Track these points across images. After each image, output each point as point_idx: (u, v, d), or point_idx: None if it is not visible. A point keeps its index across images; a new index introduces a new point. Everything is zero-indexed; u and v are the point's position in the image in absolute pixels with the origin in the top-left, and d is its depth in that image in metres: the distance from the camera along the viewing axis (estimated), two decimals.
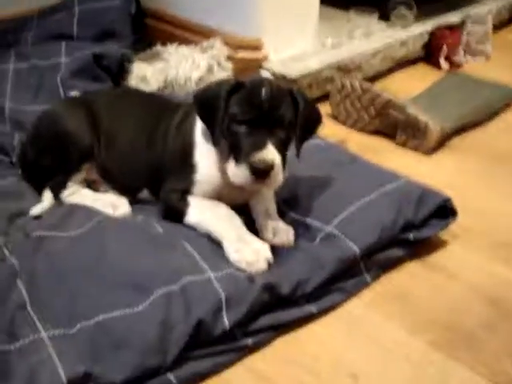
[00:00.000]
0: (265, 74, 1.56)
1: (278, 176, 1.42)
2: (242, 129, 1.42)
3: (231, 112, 1.44)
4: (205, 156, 1.57)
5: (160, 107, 1.77)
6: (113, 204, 1.69)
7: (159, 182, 1.66)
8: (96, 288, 1.35)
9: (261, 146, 1.39)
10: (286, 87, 1.51)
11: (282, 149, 1.45)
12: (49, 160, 1.72)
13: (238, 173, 1.42)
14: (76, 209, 1.65)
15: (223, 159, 1.51)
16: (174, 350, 1.24)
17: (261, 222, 1.59)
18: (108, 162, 1.74)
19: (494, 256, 1.67)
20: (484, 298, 1.52)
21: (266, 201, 1.64)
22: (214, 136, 1.49)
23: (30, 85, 2.23)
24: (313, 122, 1.57)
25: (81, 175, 1.74)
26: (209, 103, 1.49)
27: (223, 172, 1.52)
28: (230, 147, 1.46)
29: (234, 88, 1.46)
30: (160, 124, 1.70)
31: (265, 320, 1.38)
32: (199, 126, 1.59)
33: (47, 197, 1.73)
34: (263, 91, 1.42)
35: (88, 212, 1.63)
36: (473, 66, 2.97)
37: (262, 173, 1.39)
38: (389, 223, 1.57)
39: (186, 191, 1.58)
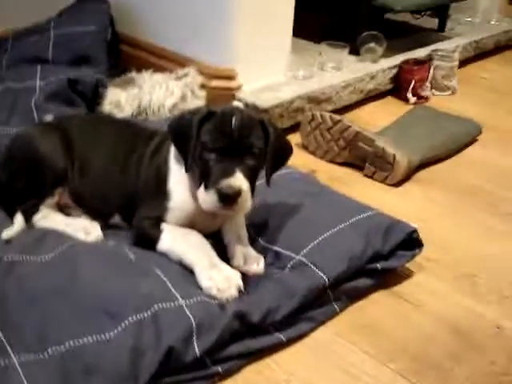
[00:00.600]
0: (237, 103, 1.60)
1: (246, 202, 1.47)
2: (212, 156, 1.46)
3: (202, 140, 1.48)
4: (178, 183, 1.59)
5: (135, 134, 1.79)
6: (85, 229, 1.69)
7: (131, 208, 1.67)
8: (67, 313, 1.34)
9: (229, 173, 1.43)
10: (256, 117, 1.55)
11: (251, 176, 1.48)
12: (21, 183, 1.72)
13: (206, 198, 1.46)
14: (48, 233, 1.65)
15: (195, 186, 1.54)
16: (144, 376, 1.24)
17: (232, 249, 1.62)
18: (81, 187, 1.74)
19: (459, 287, 1.71)
20: (450, 329, 1.55)
21: (237, 228, 1.66)
22: (186, 163, 1.52)
23: (3, 107, 2.23)
24: (283, 152, 1.61)
25: (53, 199, 1.73)
26: (182, 131, 1.52)
27: (196, 199, 1.54)
28: (201, 174, 1.49)
29: (205, 116, 1.49)
30: (134, 151, 1.72)
31: (235, 348, 1.39)
32: (173, 153, 1.62)
33: (18, 220, 1.72)
34: (233, 120, 1.46)
35: (60, 236, 1.63)
36: (439, 100, 3.07)
37: (229, 199, 1.43)
38: (357, 253, 1.60)
39: (159, 218, 1.60)
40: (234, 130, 1.45)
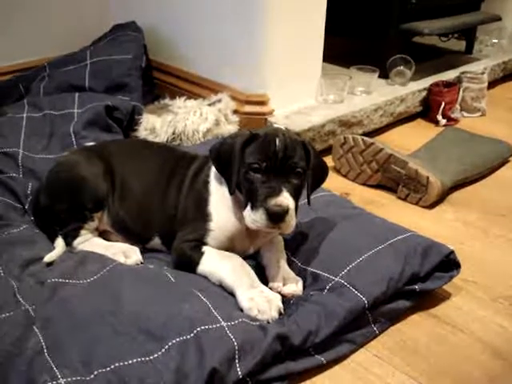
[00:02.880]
0: (278, 125, 1.64)
1: (292, 221, 1.50)
2: (258, 176, 1.50)
3: (247, 161, 1.51)
4: (219, 205, 1.63)
5: (175, 159, 1.83)
6: (124, 252, 1.72)
7: (171, 232, 1.70)
8: (111, 335, 1.37)
9: (276, 193, 1.47)
10: (298, 138, 1.58)
11: (296, 195, 1.52)
12: (63, 207, 1.76)
13: (254, 218, 1.49)
14: (88, 256, 1.68)
15: (239, 207, 1.58)
16: None
17: (271, 271, 1.64)
18: (121, 211, 1.78)
19: (498, 309, 1.71)
20: (489, 351, 1.54)
21: (276, 250, 1.69)
22: (230, 185, 1.56)
23: (42, 134, 2.28)
24: (322, 172, 1.66)
25: (94, 223, 1.77)
26: (225, 155, 1.57)
27: (236, 220, 1.59)
28: (247, 194, 1.53)
29: (248, 139, 1.54)
30: (175, 175, 1.76)
31: (276, 370, 1.40)
32: (213, 176, 1.66)
33: (59, 244, 1.76)
34: (277, 141, 1.50)
35: (100, 260, 1.66)
36: (469, 122, 3.07)
37: (277, 217, 1.46)
38: (396, 275, 1.61)
39: (199, 241, 1.63)
40: (278, 151, 1.49)
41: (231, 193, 1.57)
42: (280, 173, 1.49)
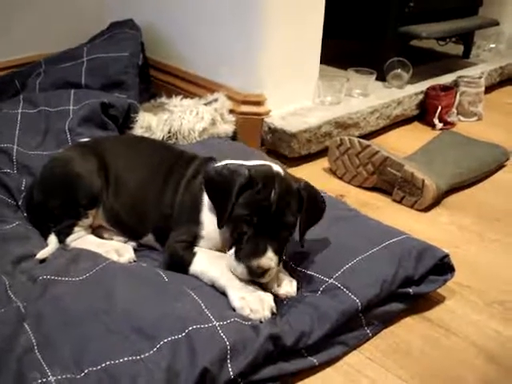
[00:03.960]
0: (277, 168, 1.59)
1: (273, 273, 1.52)
2: (246, 229, 1.49)
3: (240, 212, 1.49)
4: (211, 215, 1.62)
5: (174, 157, 1.82)
6: (117, 250, 1.72)
7: (165, 229, 1.70)
8: (103, 333, 1.36)
9: (260, 253, 1.47)
10: (294, 186, 1.55)
11: (282, 247, 1.53)
12: (57, 204, 1.75)
13: (236, 268, 1.50)
14: (81, 254, 1.67)
15: (225, 239, 1.58)
16: None
17: None
18: (116, 206, 1.77)
19: (491, 313, 1.70)
20: (483, 355, 1.54)
21: None
22: (220, 220, 1.54)
23: (37, 131, 2.26)
24: (315, 214, 1.63)
25: (88, 221, 1.76)
26: (219, 189, 1.54)
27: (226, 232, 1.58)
28: (233, 239, 1.53)
29: (246, 184, 1.50)
30: (173, 174, 1.75)
31: (268, 370, 1.39)
32: None
33: (52, 241, 1.76)
34: (272, 194, 1.48)
35: (93, 257, 1.65)
36: (465, 126, 3.06)
37: (258, 275, 1.48)
38: (390, 277, 1.60)
39: (191, 242, 1.63)
40: (272, 204, 1.47)
41: (219, 227, 1.55)
42: (269, 229, 1.48)
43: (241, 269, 1.49)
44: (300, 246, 1.61)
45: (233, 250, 1.52)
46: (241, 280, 1.52)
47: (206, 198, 1.64)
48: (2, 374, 1.25)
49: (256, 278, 1.50)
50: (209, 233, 1.62)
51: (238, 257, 1.49)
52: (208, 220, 1.62)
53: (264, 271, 1.47)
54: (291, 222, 1.52)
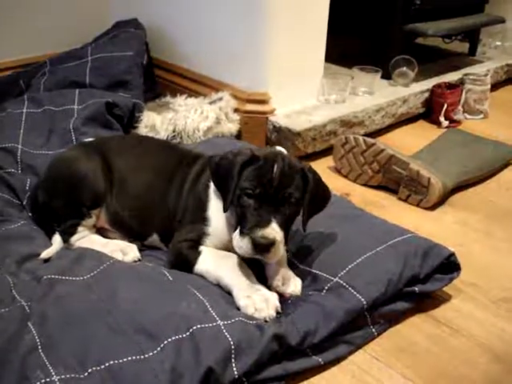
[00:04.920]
0: (280, 148, 1.61)
1: (278, 251, 1.48)
2: (251, 203, 1.48)
3: (242, 185, 1.49)
4: (217, 211, 1.61)
5: (178, 156, 1.82)
6: (122, 250, 1.71)
7: (170, 229, 1.70)
8: (107, 333, 1.36)
9: (265, 224, 1.45)
10: (298, 165, 1.54)
11: (286, 224, 1.51)
12: (61, 203, 1.75)
13: (241, 244, 1.47)
14: (86, 253, 1.67)
15: (232, 225, 1.57)
16: None
17: (270, 270, 1.63)
18: (119, 207, 1.77)
19: (497, 311, 1.69)
20: (489, 353, 1.53)
21: None
22: (225, 203, 1.54)
23: (41, 130, 2.26)
24: (321, 199, 1.61)
25: (92, 220, 1.76)
26: (223, 172, 1.54)
27: (233, 228, 1.56)
28: (238, 217, 1.52)
29: (248, 160, 1.51)
30: (177, 174, 1.75)
31: (273, 370, 1.39)
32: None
33: (57, 240, 1.76)
34: (275, 167, 1.47)
35: (98, 257, 1.65)
36: (471, 124, 3.05)
37: (263, 248, 1.45)
38: (395, 276, 1.60)
39: (196, 241, 1.62)
40: (275, 179, 1.47)
41: (225, 210, 1.55)
42: (273, 201, 1.47)
43: (245, 243, 1.46)
44: (302, 233, 1.61)
45: (238, 230, 1.50)
46: (246, 279, 1.52)
47: (211, 195, 1.64)
48: (6, 374, 1.25)
49: (261, 254, 1.46)
50: (215, 230, 1.62)
51: (242, 232, 1.47)
52: (214, 217, 1.62)
53: (268, 244, 1.44)
54: (295, 196, 1.49)
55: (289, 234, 1.55)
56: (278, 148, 1.61)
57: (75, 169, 1.75)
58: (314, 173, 1.58)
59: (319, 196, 1.59)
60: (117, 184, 1.78)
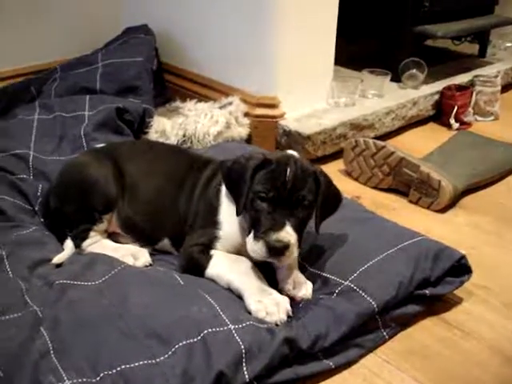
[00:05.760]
0: (292, 152, 1.62)
1: (293, 255, 1.48)
2: (264, 206, 1.48)
3: (255, 189, 1.50)
4: (229, 215, 1.61)
5: (189, 161, 1.83)
6: (133, 254, 1.72)
7: (181, 233, 1.70)
8: (118, 338, 1.36)
9: (279, 227, 1.45)
10: (310, 168, 1.55)
11: (300, 228, 1.51)
12: (73, 209, 1.76)
13: (255, 248, 1.48)
14: (97, 258, 1.68)
15: (244, 228, 1.57)
16: None
17: (281, 274, 1.63)
18: (131, 212, 1.78)
19: (508, 314, 1.68)
20: (500, 356, 1.52)
21: None
22: (238, 207, 1.54)
23: (53, 136, 2.28)
24: (333, 202, 1.62)
25: (103, 225, 1.77)
26: (236, 176, 1.55)
27: (244, 232, 1.57)
28: (251, 221, 1.52)
29: (260, 164, 1.51)
30: (188, 178, 1.76)
31: (284, 373, 1.39)
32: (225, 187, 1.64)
33: (68, 245, 1.77)
34: (288, 170, 1.48)
35: (109, 262, 1.66)
36: (482, 126, 3.04)
37: (277, 252, 1.45)
38: (406, 279, 1.59)
39: (208, 245, 1.62)
40: (288, 182, 1.47)
41: (238, 214, 1.55)
42: (286, 205, 1.47)
43: (259, 247, 1.46)
44: (315, 235, 1.61)
45: (252, 234, 1.50)
46: (257, 283, 1.53)
47: (222, 200, 1.64)
48: (19, 378, 1.26)
49: (275, 257, 1.46)
50: (227, 234, 1.62)
51: (256, 236, 1.47)
52: (226, 221, 1.63)
53: (283, 248, 1.44)
54: (308, 199, 1.50)
55: (302, 237, 1.55)
56: (290, 152, 1.62)
57: (87, 174, 1.76)
58: (326, 176, 1.58)
59: (331, 199, 1.59)
60: (128, 189, 1.79)
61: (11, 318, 1.44)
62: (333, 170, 2.48)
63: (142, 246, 1.79)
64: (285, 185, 1.47)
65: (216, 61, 2.78)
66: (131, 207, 1.78)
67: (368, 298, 1.53)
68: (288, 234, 1.45)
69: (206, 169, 1.76)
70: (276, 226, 1.45)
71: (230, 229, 1.62)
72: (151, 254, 1.76)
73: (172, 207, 1.74)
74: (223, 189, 1.65)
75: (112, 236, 1.83)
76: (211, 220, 1.64)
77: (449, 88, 3.04)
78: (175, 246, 1.75)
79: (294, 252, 1.48)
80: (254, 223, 1.50)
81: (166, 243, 1.77)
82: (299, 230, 1.50)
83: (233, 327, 1.39)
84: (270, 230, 1.45)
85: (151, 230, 1.77)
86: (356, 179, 2.45)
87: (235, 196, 1.56)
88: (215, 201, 1.66)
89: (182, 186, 1.75)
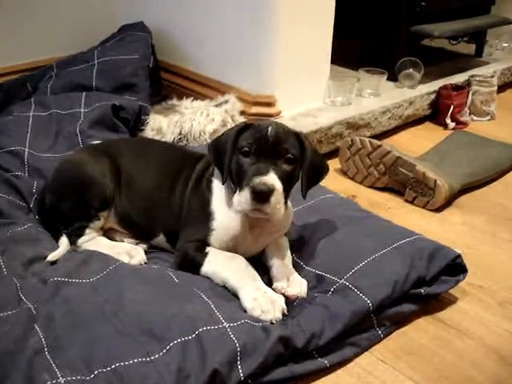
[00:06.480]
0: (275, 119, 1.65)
1: (278, 205, 1.47)
2: (248, 160, 1.50)
3: (239, 146, 1.52)
4: (221, 204, 1.62)
5: (182, 157, 1.83)
6: (128, 252, 1.72)
7: (176, 230, 1.70)
8: (113, 335, 1.36)
9: (263, 172, 1.46)
10: (292, 130, 1.58)
11: (285, 182, 1.50)
12: (69, 206, 1.76)
13: (240, 199, 1.48)
14: (92, 256, 1.67)
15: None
16: None
17: (275, 272, 1.63)
18: (127, 207, 1.78)
19: (504, 313, 1.68)
20: (495, 356, 1.52)
21: (281, 251, 1.68)
22: (223, 174, 1.56)
23: (48, 133, 2.27)
24: (318, 166, 1.62)
25: (99, 223, 1.77)
26: (220, 145, 1.57)
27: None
28: (237, 180, 1.52)
29: (243, 128, 1.55)
30: (181, 174, 1.76)
31: (278, 372, 1.38)
32: (216, 175, 1.65)
33: (63, 243, 1.76)
34: (269, 128, 1.50)
35: (104, 259, 1.65)
36: (478, 126, 3.04)
37: (262, 196, 1.44)
38: (401, 278, 1.59)
39: (203, 241, 1.62)
40: (270, 136, 1.49)
41: (223, 181, 1.56)
42: (270, 156, 1.48)
43: (244, 195, 1.46)
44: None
45: (237, 191, 1.51)
46: (253, 281, 1.52)
47: (214, 190, 1.65)
48: (13, 376, 1.25)
49: (260, 203, 1.44)
50: (220, 222, 1.61)
51: (241, 186, 1.48)
52: (218, 210, 1.63)
53: (268, 192, 1.43)
54: (291, 153, 1.51)
55: (288, 195, 1.56)
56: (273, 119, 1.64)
57: (83, 171, 1.75)
58: (310, 141, 1.61)
59: (317, 163, 1.60)
60: (124, 185, 1.79)
61: (5, 315, 1.43)
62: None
63: (138, 242, 1.79)
64: (267, 139, 1.49)
65: (213, 59, 2.78)
66: (127, 203, 1.78)
67: (363, 297, 1.53)
68: (272, 178, 1.45)
69: (198, 163, 1.76)
70: (259, 172, 1.46)
71: (223, 218, 1.61)
72: (146, 252, 1.76)
73: (167, 203, 1.74)
74: (215, 179, 1.65)
75: (108, 232, 1.83)
76: (204, 212, 1.64)
77: (445, 88, 3.05)
78: (170, 243, 1.75)
79: (280, 202, 1.47)
80: (239, 179, 1.51)
81: (161, 239, 1.77)
82: (284, 183, 1.49)
83: (228, 325, 1.38)
84: (254, 175, 1.45)
85: (147, 226, 1.77)
86: (352, 178, 2.45)
87: (220, 164, 1.57)
88: (207, 192, 1.66)
89: (175, 182, 1.75)
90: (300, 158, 1.54)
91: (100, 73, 2.58)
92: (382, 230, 1.80)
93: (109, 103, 2.34)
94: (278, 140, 1.49)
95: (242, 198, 1.46)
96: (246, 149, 1.50)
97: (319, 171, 1.63)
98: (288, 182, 1.53)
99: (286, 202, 1.53)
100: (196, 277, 1.60)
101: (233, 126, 1.64)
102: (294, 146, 1.53)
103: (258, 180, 1.44)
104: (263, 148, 1.48)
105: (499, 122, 3.14)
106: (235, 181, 1.54)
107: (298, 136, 1.56)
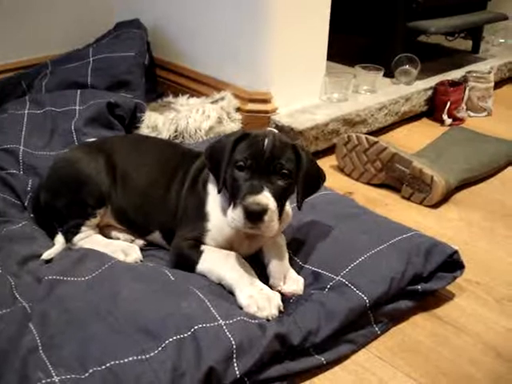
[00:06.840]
0: (272, 129, 1.62)
1: (273, 223, 1.45)
2: (242, 175, 1.48)
3: (234, 158, 1.49)
4: (216, 206, 1.61)
5: (180, 154, 1.82)
6: (124, 250, 1.71)
7: (171, 226, 1.69)
8: (108, 333, 1.35)
9: (256, 191, 1.43)
10: (289, 141, 1.55)
11: (280, 197, 1.48)
12: (64, 203, 1.75)
13: (234, 216, 1.45)
14: (88, 254, 1.66)
15: (227, 207, 1.55)
16: None
17: (272, 269, 1.62)
18: (123, 204, 1.77)
19: (501, 309, 1.68)
20: (492, 352, 1.52)
21: (278, 248, 1.66)
22: (218, 184, 1.54)
23: (43, 131, 2.26)
24: (315, 177, 1.60)
25: (95, 220, 1.76)
26: (217, 153, 1.55)
27: None
28: (231, 193, 1.50)
29: (239, 138, 1.52)
30: (178, 171, 1.75)
31: (274, 369, 1.38)
32: (212, 181, 1.64)
33: (59, 241, 1.75)
34: (266, 141, 1.48)
35: (100, 257, 1.64)
36: (475, 122, 3.04)
37: (255, 216, 1.42)
38: (398, 274, 1.58)
39: (198, 240, 1.61)
40: (266, 150, 1.46)
41: (218, 191, 1.54)
42: (265, 173, 1.46)
43: (237, 213, 1.43)
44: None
45: (232, 205, 1.49)
46: (248, 278, 1.52)
47: (210, 190, 1.63)
48: (7, 374, 1.24)
49: (254, 223, 1.42)
50: (215, 225, 1.60)
51: (235, 203, 1.46)
52: (213, 211, 1.61)
53: (261, 211, 1.41)
54: (287, 168, 1.48)
55: (283, 210, 1.54)
56: (270, 128, 1.62)
57: (79, 168, 1.74)
58: (307, 151, 1.58)
59: (313, 175, 1.58)
60: (120, 182, 1.78)
61: (0, 313, 1.42)
62: (325, 166, 2.47)
63: (134, 238, 1.79)
64: (263, 153, 1.46)
65: (208, 56, 2.77)
66: (123, 200, 1.77)
67: (360, 294, 1.52)
68: (266, 197, 1.43)
69: (195, 162, 1.75)
70: (253, 190, 1.43)
71: (218, 220, 1.60)
72: (142, 250, 1.75)
73: (162, 200, 1.73)
74: (210, 180, 1.64)
75: (104, 228, 1.82)
76: (199, 212, 1.63)
77: (442, 84, 3.04)
78: (166, 240, 1.74)
79: (274, 220, 1.45)
80: (233, 194, 1.49)
81: (157, 235, 1.76)
82: (279, 199, 1.47)
83: (223, 323, 1.37)
84: (248, 194, 1.43)
85: (143, 222, 1.77)
86: (348, 175, 2.44)
87: (216, 172, 1.55)
88: (203, 192, 1.65)
89: (171, 179, 1.74)
90: (296, 172, 1.51)
91: (95, 70, 2.57)
92: (378, 227, 1.79)
93: (104, 101, 2.33)
94: (273, 154, 1.47)
95: (236, 215, 1.44)
96: (241, 163, 1.47)
97: (315, 183, 1.61)
98: (282, 197, 1.51)
99: (280, 217, 1.51)
100: (192, 274, 1.59)
101: (229, 133, 1.60)
102: (290, 160, 1.50)
103: (251, 199, 1.42)
104: (259, 163, 1.46)
105: (496, 118, 3.13)
106: (230, 193, 1.52)
107: (294, 148, 1.53)
